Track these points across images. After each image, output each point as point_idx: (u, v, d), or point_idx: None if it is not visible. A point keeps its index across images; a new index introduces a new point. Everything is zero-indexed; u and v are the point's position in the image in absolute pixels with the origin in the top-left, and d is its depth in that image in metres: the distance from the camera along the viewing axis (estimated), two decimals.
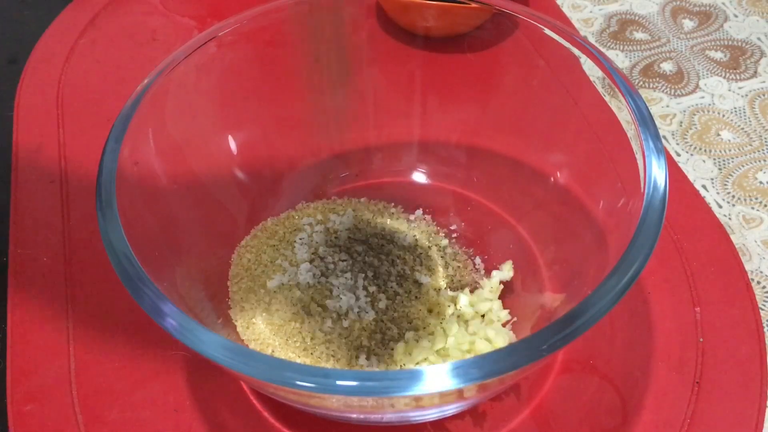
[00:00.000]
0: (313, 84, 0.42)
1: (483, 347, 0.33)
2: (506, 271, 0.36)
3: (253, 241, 0.38)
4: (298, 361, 0.33)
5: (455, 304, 0.35)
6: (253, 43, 0.37)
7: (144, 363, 0.35)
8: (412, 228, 0.39)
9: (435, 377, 0.22)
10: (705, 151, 0.45)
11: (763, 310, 0.37)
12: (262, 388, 0.29)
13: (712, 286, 0.37)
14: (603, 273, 0.25)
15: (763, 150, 0.45)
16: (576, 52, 0.33)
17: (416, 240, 0.38)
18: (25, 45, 0.53)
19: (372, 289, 0.35)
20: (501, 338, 0.33)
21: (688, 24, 0.55)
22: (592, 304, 0.24)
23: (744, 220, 0.41)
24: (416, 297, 0.35)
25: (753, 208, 0.42)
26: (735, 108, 0.48)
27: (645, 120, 0.29)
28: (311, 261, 0.36)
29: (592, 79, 0.32)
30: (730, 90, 0.49)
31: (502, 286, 0.36)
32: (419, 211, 0.40)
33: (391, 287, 0.35)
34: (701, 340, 0.35)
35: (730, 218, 0.42)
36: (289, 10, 0.37)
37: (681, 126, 0.47)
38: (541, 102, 0.39)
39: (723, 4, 0.57)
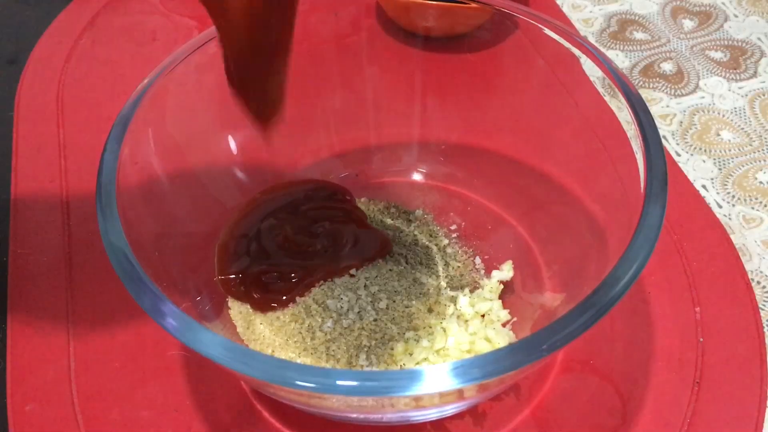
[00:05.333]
0: (313, 84, 0.42)
1: (483, 347, 0.33)
2: (506, 271, 0.36)
3: None
4: (298, 361, 0.33)
5: (455, 304, 0.35)
6: None
7: (144, 363, 0.35)
8: (412, 228, 0.39)
9: (435, 377, 0.22)
10: (705, 151, 0.45)
11: (763, 310, 0.37)
12: (262, 388, 0.29)
13: (712, 286, 0.37)
14: (603, 273, 0.25)
15: (763, 150, 0.45)
16: (576, 52, 0.33)
17: (416, 240, 0.38)
18: (25, 45, 0.53)
19: (373, 289, 0.35)
20: (501, 338, 0.33)
21: (688, 24, 0.55)
22: (592, 304, 0.24)
23: (744, 220, 0.41)
24: (416, 297, 0.35)
25: (753, 208, 0.42)
26: (735, 108, 0.48)
27: (645, 120, 0.29)
28: None
29: (592, 79, 0.32)
30: (730, 90, 0.49)
31: (502, 286, 0.36)
32: (419, 211, 0.40)
33: (392, 287, 0.35)
34: (701, 340, 0.35)
35: (730, 218, 0.42)
36: None
37: (681, 126, 0.47)
38: (541, 102, 0.39)
39: (723, 4, 0.57)
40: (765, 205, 0.42)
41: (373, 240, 0.37)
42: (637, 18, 0.56)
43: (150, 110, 0.31)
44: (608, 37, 0.54)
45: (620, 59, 0.52)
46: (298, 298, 0.35)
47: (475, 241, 0.39)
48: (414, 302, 0.35)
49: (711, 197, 0.43)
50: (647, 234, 0.25)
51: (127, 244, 0.26)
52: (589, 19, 0.56)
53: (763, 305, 0.37)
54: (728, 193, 0.43)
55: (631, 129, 0.29)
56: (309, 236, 0.37)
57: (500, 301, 0.35)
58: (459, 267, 0.37)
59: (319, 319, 0.34)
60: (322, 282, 0.35)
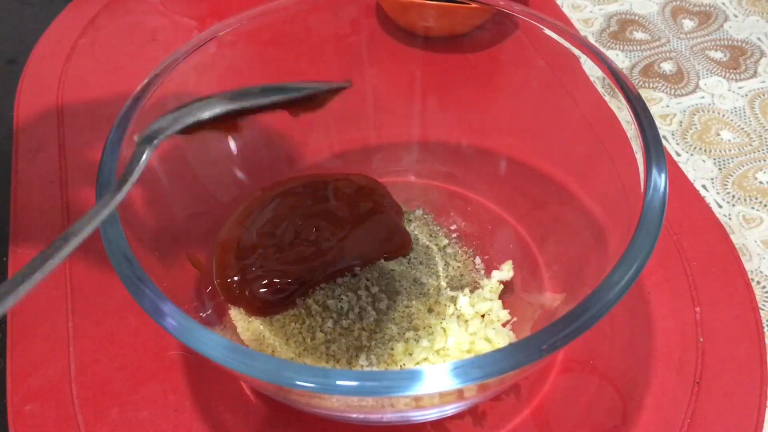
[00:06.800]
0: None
1: (483, 347, 0.33)
2: (506, 271, 0.36)
3: None
4: (298, 361, 0.33)
5: (455, 304, 0.35)
6: (253, 43, 0.37)
7: (144, 363, 0.35)
8: (412, 228, 0.39)
9: (435, 377, 0.22)
10: (705, 151, 0.45)
11: (763, 310, 0.37)
12: (262, 388, 0.29)
13: (712, 286, 0.37)
14: (603, 273, 0.25)
15: (763, 150, 0.45)
16: (576, 52, 0.33)
17: (416, 240, 0.38)
18: (25, 45, 0.53)
19: (374, 289, 0.35)
20: (501, 338, 0.33)
21: (688, 24, 0.55)
22: (592, 304, 0.24)
23: (744, 220, 0.41)
24: (416, 297, 0.35)
25: (753, 208, 0.42)
26: (735, 108, 0.48)
27: (645, 120, 0.29)
28: None
29: (592, 79, 0.32)
30: (730, 90, 0.49)
31: (502, 286, 0.36)
32: (419, 211, 0.40)
33: (392, 287, 0.35)
34: (701, 340, 0.35)
35: (730, 218, 0.41)
36: (289, 10, 0.37)
37: (681, 126, 0.47)
38: (541, 102, 0.39)
39: (723, 4, 0.57)
40: (765, 205, 0.42)
41: (400, 237, 0.37)
42: (637, 18, 0.56)
43: (150, 110, 0.31)
44: (608, 37, 0.54)
45: (620, 59, 0.52)
46: (298, 300, 0.35)
47: (475, 241, 0.39)
48: (414, 302, 0.35)
49: (711, 197, 0.43)
50: (647, 234, 0.25)
51: (127, 244, 0.26)
52: (589, 19, 0.56)
53: (763, 305, 0.37)
54: (728, 193, 0.43)
55: (631, 129, 0.29)
56: (327, 232, 0.37)
57: (500, 301, 0.35)
58: (459, 267, 0.37)
59: (319, 320, 0.34)
60: (324, 284, 0.35)
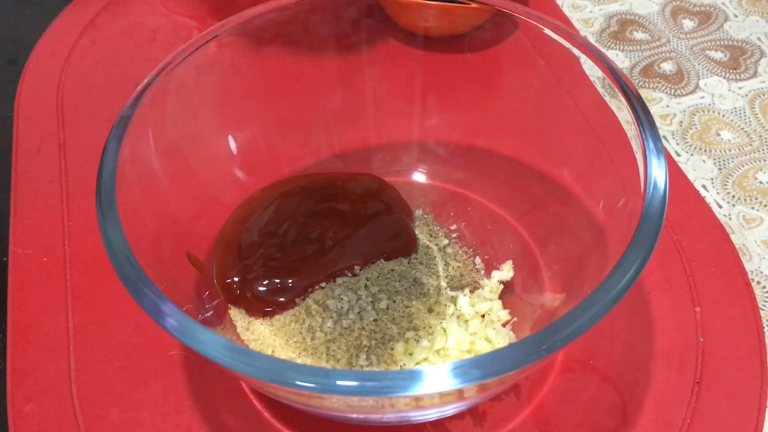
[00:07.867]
0: (313, 84, 0.42)
1: (483, 347, 0.33)
2: (506, 271, 0.36)
3: None
4: (298, 361, 0.33)
5: (455, 304, 0.35)
6: (253, 43, 0.37)
7: (144, 363, 0.35)
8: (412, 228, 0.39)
9: (435, 377, 0.22)
10: (705, 151, 0.45)
11: (763, 310, 0.37)
12: (262, 388, 0.29)
13: (712, 286, 0.37)
14: (603, 273, 0.25)
15: (763, 150, 0.45)
16: (576, 52, 0.33)
17: (417, 240, 0.38)
18: (25, 45, 0.53)
19: (374, 289, 0.35)
20: (501, 338, 0.33)
21: (688, 24, 0.55)
22: (592, 304, 0.24)
23: (744, 220, 0.41)
24: (416, 297, 0.35)
25: (753, 208, 0.42)
26: (735, 108, 0.48)
27: (645, 120, 0.29)
28: None
29: (592, 79, 0.32)
30: (730, 90, 0.49)
31: (502, 286, 0.36)
32: (419, 211, 0.40)
33: (392, 287, 0.35)
34: (701, 340, 0.35)
35: (730, 218, 0.42)
36: (289, 10, 0.37)
37: (681, 126, 0.47)
38: (541, 102, 0.39)
39: (723, 4, 0.57)
40: (765, 205, 0.42)
41: (406, 237, 0.37)
42: (637, 18, 0.56)
43: (150, 110, 0.31)
44: (608, 37, 0.54)
45: (620, 59, 0.52)
46: (298, 300, 0.35)
47: (475, 241, 0.39)
48: (414, 302, 0.35)
49: (711, 197, 0.43)
50: (647, 234, 0.25)
51: (127, 245, 0.26)
52: (589, 19, 0.56)
53: (763, 305, 0.37)
54: (728, 193, 0.43)
55: (631, 129, 0.29)
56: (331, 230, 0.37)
57: (500, 301, 0.35)
58: (459, 267, 0.37)
59: (320, 319, 0.34)
60: (324, 284, 0.35)
